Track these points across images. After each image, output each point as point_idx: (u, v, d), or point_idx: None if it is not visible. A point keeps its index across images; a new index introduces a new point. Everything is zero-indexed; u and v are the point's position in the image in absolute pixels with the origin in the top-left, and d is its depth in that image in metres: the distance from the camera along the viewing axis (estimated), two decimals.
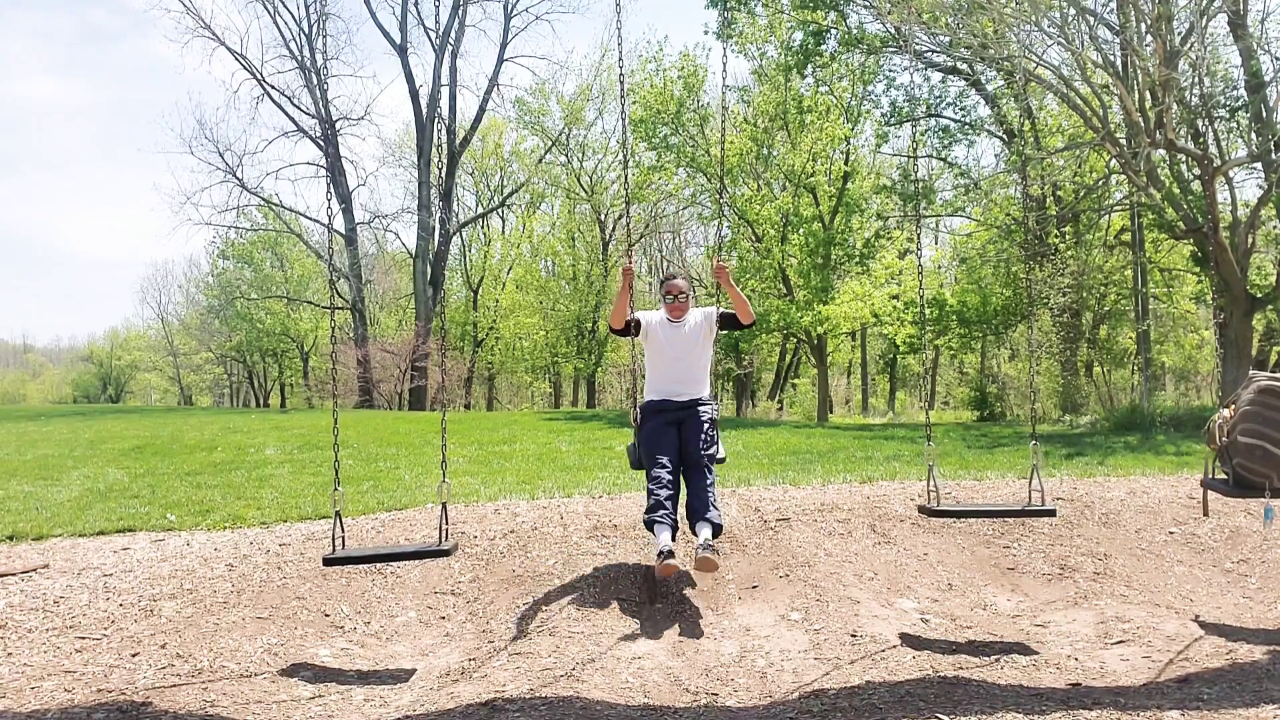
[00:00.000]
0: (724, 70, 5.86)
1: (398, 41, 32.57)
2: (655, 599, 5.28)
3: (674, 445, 5.51)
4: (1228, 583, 5.73)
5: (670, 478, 5.36)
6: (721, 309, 5.83)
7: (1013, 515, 5.32)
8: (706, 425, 5.57)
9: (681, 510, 5.43)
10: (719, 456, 5.61)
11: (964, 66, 19.82)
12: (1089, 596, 5.45)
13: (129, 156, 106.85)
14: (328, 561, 4.64)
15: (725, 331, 6.04)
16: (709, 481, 5.40)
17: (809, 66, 22.58)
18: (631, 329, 5.80)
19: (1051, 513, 5.06)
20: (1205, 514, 5.48)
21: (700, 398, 5.72)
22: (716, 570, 5.20)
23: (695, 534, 5.21)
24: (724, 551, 5.81)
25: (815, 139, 23.51)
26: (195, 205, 57.87)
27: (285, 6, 40.15)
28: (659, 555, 5.03)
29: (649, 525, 5.28)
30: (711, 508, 5.29)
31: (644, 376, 5.92)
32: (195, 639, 4.68)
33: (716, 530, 5.23)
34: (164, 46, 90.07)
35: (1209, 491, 5.23)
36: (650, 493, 5.34)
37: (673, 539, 5.16)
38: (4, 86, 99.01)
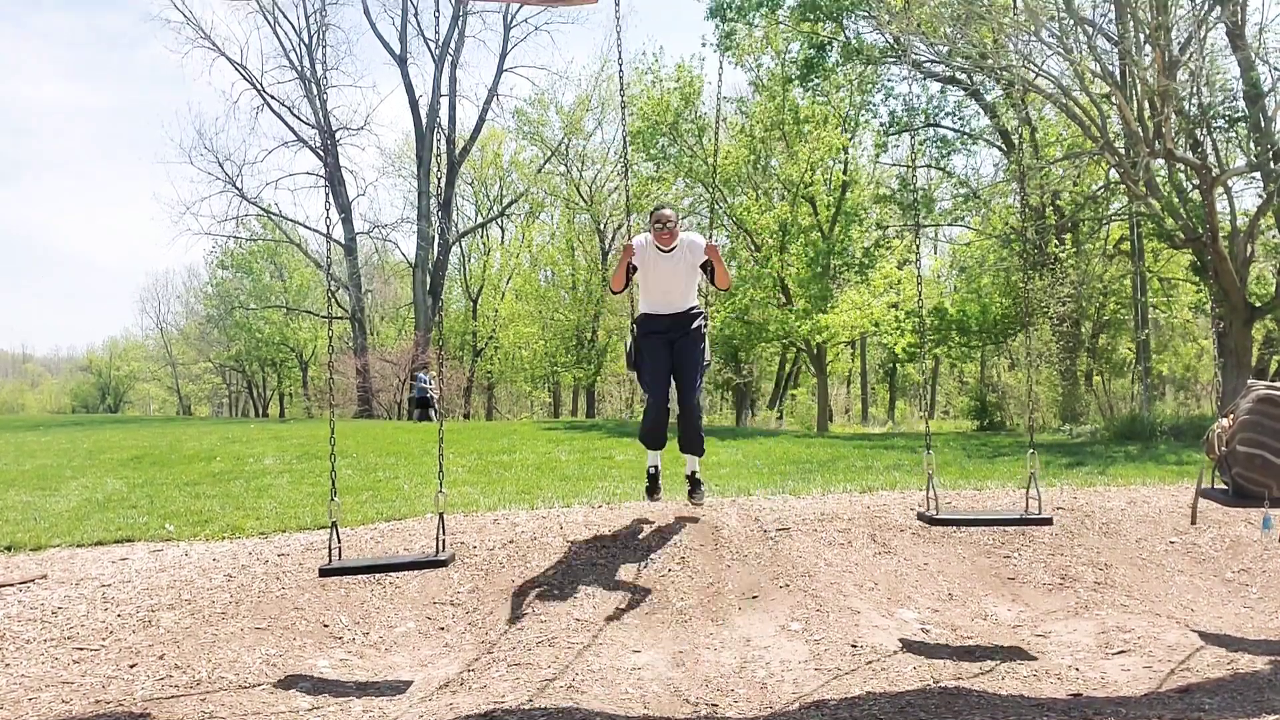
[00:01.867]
0: (719, 81, 6.00)
1: (397, 52, 32.70)
2: (655, 495, 6.54)
3: (666, 367, 6.21)
4: (1228, 592, 5.72)
5: (662, 400, 6.22)
6: (706, 243, 6.27)
7: (1010, 524, 5.31)
8: (696, 344, 6.24)
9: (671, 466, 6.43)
10: (706, 361, 6.36)
11: (963, 76, 19.87)
12: (1090, 606, 5.43)
13: (130, 159, 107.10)
14: (324, 572, 4.63)
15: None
16: (698, 412, 6.32)
17: (811, 79, 22.65)
18: (630, 277, 6.37)
19: (1048, 521, 5.05)
20: (1193, 522, 5.47)
21: (690, 307, 6.30)
22: (701, 508, 6.52)
23: (685, 454, 6.40)
24: (724, 561, 5.80)
25: (813, 149, 23.56)
26: (195, 215, 57.92)
27: (285, 17, 40.34)
28: (649, 474, 6.50)
29: (643, 439, 6.40)
30: (698, 439, 6.31)
31: (639, 292, 6.52)
32: (193, 650, 4.66)
33: (699, 454, 6.44)
34: (166, 53, 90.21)
35: (1206, 501, 5.22)
36: (646, 412, 6.35)
37: (660, 449, 6.43)
38: (9, 89, 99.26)
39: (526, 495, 8.00)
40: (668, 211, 6.27)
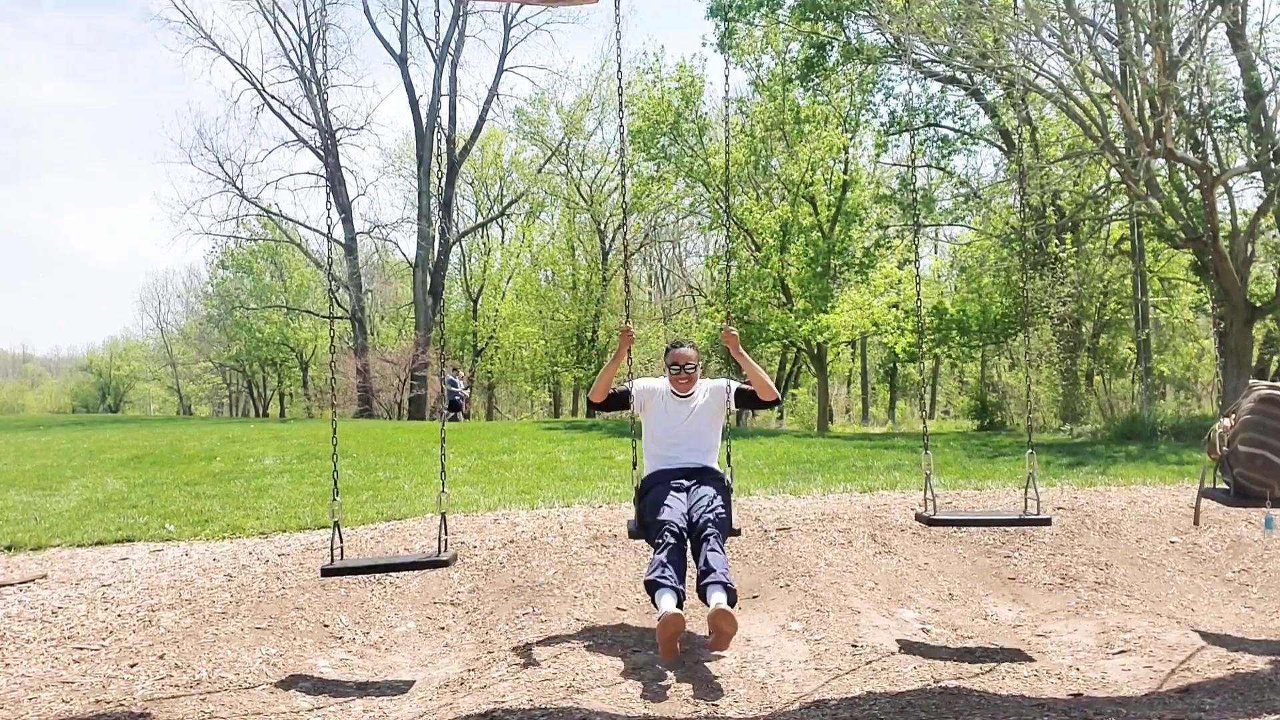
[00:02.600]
0: (726, 82, 5.82)
1: (398, 52, 32.67)
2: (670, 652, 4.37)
3: (682, 506, 4.85)
4: (1229, 592, 5.72)
5: (676, 539, 4.63)
6: (738, 384, 5.27)
7: (1009, 524, 5.31)
8: (719, 491, 4.95)
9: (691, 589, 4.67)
10: (733, 527, 4.95)
11: (963, 76, 19.86)
12: (1090, 606, 5.43)
13: (130, 159, 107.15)
14: (325, 572, 4.63)
15: (741, 408, 5.45)
16: (722, 550, 4.62)
17: (812, 79, 22.64)
18: (616, 403, 5.20)
19: (1047, 521, 5.05)
20: (1196, 522, 5.47)
21: (709, 466, 5.14)
22: (736, 630, 4.32)
23: (706, 602, 4.41)
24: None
25: (814, 148, 23.55)
26: (195, 215, 57.89)
27: (285, 17, 40.35)
28: (660, 621, 4.28)
29: (650, 589, 4.47)
30: (724, 573, 4.48)
31: (643, 450, 5.30)
32: (194, 650, 4.66)
33: (731, 597, 4.41)
34: (166, 52, 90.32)
35: (1207, 501, 5.22)
36: (653, 557, 4.59)
37: (679, 606, 4.37)
38: (9, 89, 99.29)
39: (527, 495, 8.00)
40: (687, 350, 5.23)
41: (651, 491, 4.98)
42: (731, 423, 5.51)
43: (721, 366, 26.83)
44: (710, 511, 4.77)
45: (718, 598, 4.35)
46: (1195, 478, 8.43)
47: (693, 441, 5.14)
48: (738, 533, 5.06)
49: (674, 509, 4.79)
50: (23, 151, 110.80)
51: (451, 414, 26.32)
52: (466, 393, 26.00)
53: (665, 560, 4.50)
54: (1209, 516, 6.56)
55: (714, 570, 4.48)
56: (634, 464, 5.23)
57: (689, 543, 4.72)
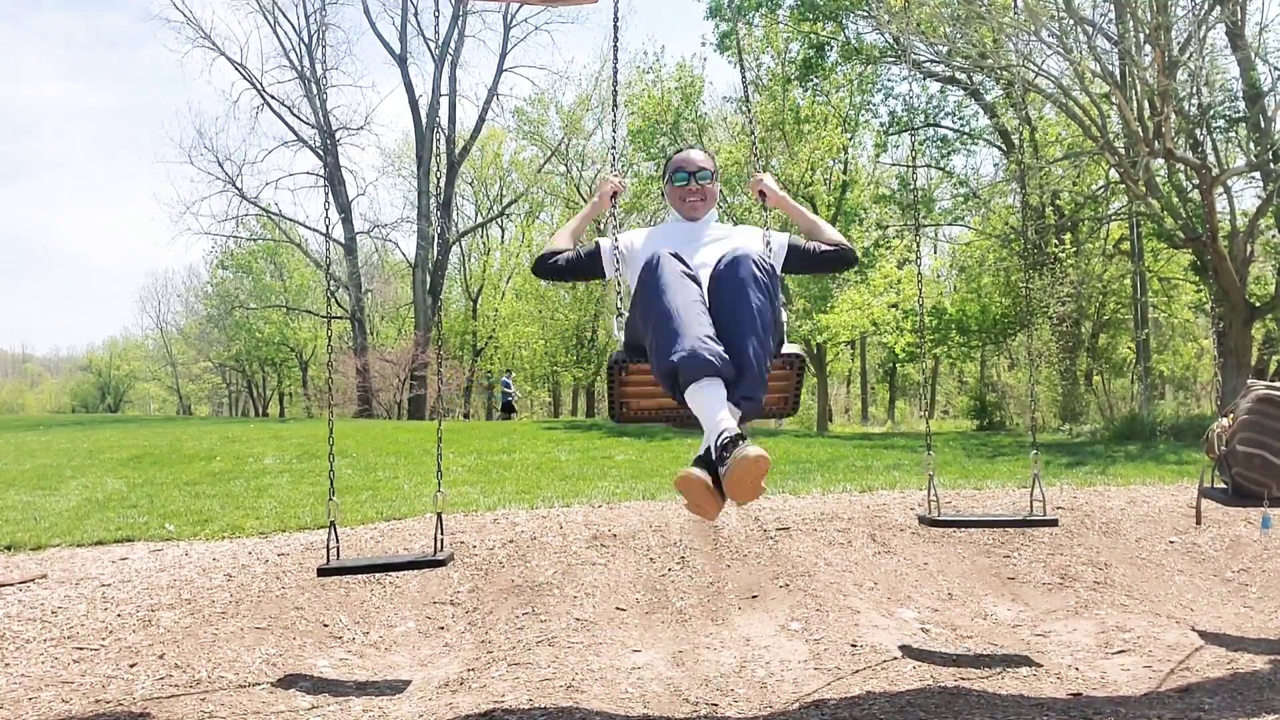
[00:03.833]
0: (743, 79, 5.66)
1: (397, 52, 32.70)
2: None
3: (697, 290, 3.12)
4: (1228, 592, 5.72)
5: (698, 305, 3.04)
6: (792, 238, 3.75)
7: (1015, 525, 5.29)
8: (758, 280, 3.11)
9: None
10: (781, 323, 3.22)
11: (963, 76, 19.88)
12: (1089, 606, 5.43)
13: (130, 159, 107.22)
14: (322, 572, 4.63)
15: (802, 273, 3.87)
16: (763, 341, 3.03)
17: (811, 79, 22.66)
18: (582, 264, 3.74)
19: (1054, 522, 5.04)
20: (1198, 522, 5.46)
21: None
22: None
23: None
24: (724, 560, 5.79)
25: (813, 148, 23.56)
26: (195, 215, 58.00)
27: (285, 17, 40.38)
28: (720, 443, 2.79)
29: (685, 381, 2.88)
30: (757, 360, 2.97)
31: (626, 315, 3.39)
32: (193, 649, 4.66)
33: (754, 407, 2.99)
34: (165, 52, 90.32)
35: (1205, 500, 5.22)
36: (672, 331, 2.94)
37: (731, 397, 2.92)
38: (9, 89, 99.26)
39: (526, 495, 8.00)
40: (698, 154, 3.80)
41: (653, 279, 3.10)
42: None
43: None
44: (752, 318, 3.02)
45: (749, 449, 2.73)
46: (1194, 477, 8.44)
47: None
48: (800, 358, 3.44)
49: (690, 290, 3.07)
50: (23, 151, 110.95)
51: (505, 415, 26.90)
52: (516, 395, 26.74)
53: (697, 340, 2.89)
54: (1208, 516, 6.56)
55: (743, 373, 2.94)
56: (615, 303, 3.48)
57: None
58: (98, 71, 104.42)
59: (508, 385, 28.66)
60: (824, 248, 3.68)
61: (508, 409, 27.98)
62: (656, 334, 2.96)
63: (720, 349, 2.88)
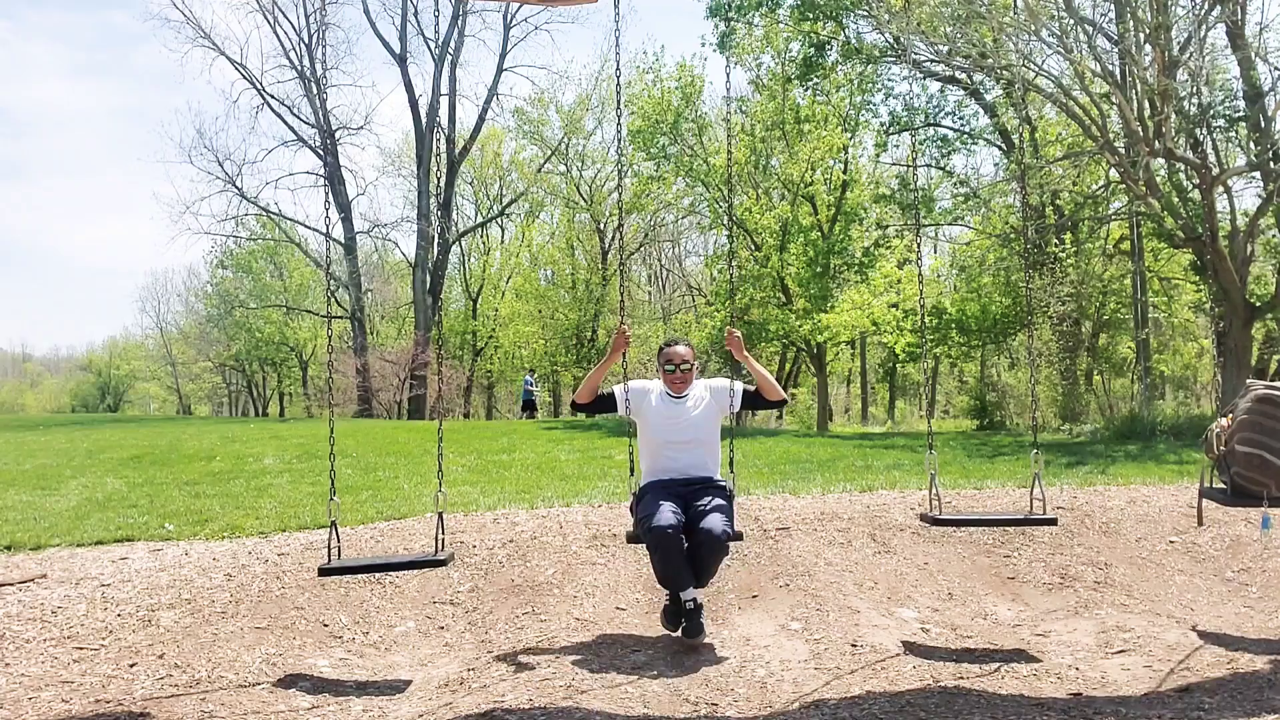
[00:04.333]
0: (727, 81, 5.76)
1: (397, 51, 32.72)
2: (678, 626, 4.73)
3: (679, 503, 4.71)
4: (1228, 592, 5.72)
5: (675, 529, 4.54)
6: (742, 385, 5.04)
7: (1015, 524, 5.30)
8: (720, 499, 4.76)
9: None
10: (734, 531, 4.70)
11: (963, 76, 19.87)
12: (1089, 606, 5.43)
13: (130, 159, 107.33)
14: (323, 571, 4.63)
15: (747, 409, 5.22)
16: (720, 531, 4.55)
17: (811, 78, 22.65)
18: (603, 406, 5.01)
19: (1053, 521, 5.04)
20: (1200, 523, 5.47)
21: (710, 478, 4.94)
22: (725, 554, 4.67)
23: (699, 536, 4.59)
24: (724, 561, 5.79)
25: (814, 148, 23.55)
26: (194, 214, 57.95)
27: (285, 16, 40.47)
28: (688, 607, 4.58)
29: (663, 571, 4.60)
30: (712, 562, 4.62)
31: (639, 458, 5.02)
32: (193, 649, 4.66)
33: (708, 574, 4.68)
34: (166, 52, 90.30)
35: (1205, 500, 5.22)
36: (655, 548, 4.56)
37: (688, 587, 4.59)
38: (8, 88, 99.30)
39: (526, 495, 8.00)
40: (682, 349, 5.01)
41: (646, 498, 4.75)
42: (730, 423, 5.31)
43: (722, 366, 26.87)
44: (709, 519, 4.57)
45: (691, 591, 4.61)
46: (1194, 477, 8.45)
47: (691, 447, 4.88)
48: (740, 536, 4.81)
49: (672, 503, 4.64)
50: (23, 151, 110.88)
51: (528, 414, 27.13)
52: (539, 394, 27.20)
53: (665, 556, 4.54)
54: (1208, 516, 6.56)
55: (709, 552, 4.60)
56: (630, 468, 4.98)
57: (687, 544, 4.61)
58: (99, 71, 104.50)
59: (530, 384, 29.01)
60: (769, 399, 5.07)
61: (529, 407, 28.24)
62: (647, 535, 4.61)
63: (682, 568, 4.58)
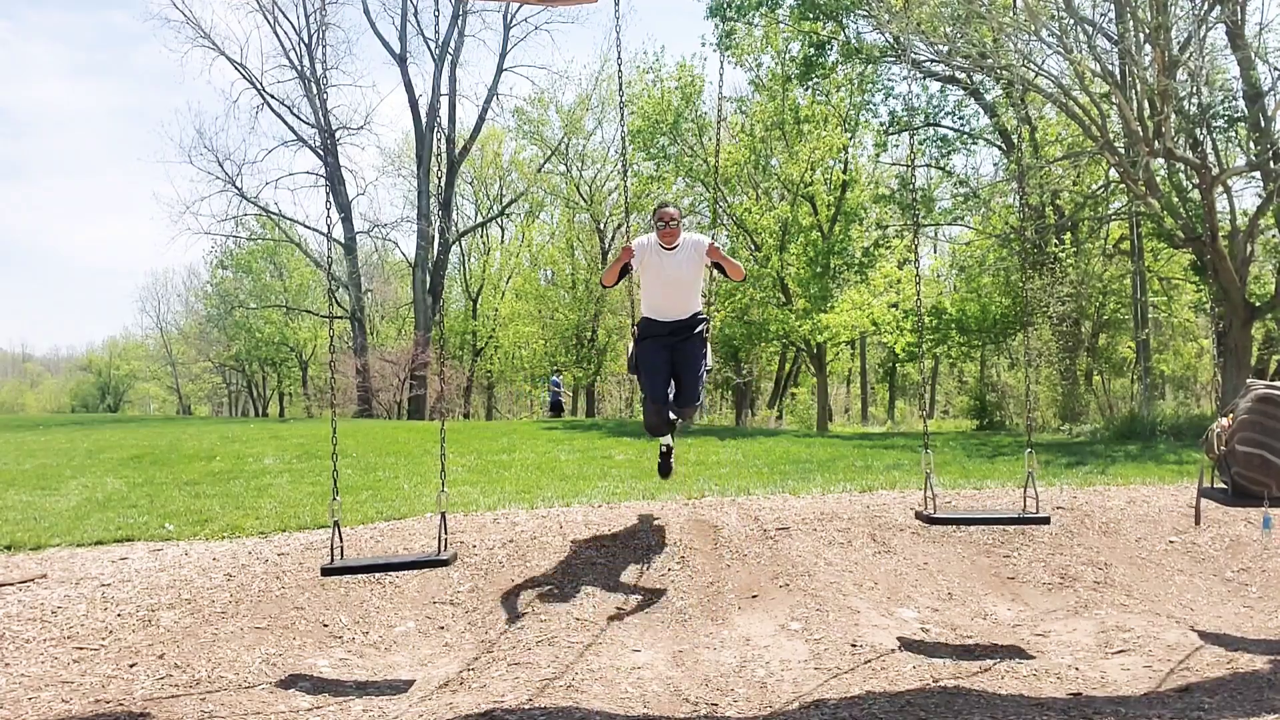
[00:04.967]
0: (720, 80, 5.95)
1: (397, 51, 32.69)
2: (667, 473, 6.55)
3: (667, 367, 6.11)
4: (1228, 592, 5.72)
5: (661, 399, 6.04)
6: (711, 242, 6.17)
7: (1008, 523, 5.31)
8: (698, 349, 6.17)
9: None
10: (708, 366, 6.27)
11: (963, 76, 19.87)
12: (1089, 606, 5.43)
13: (130, 159, 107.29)
14: (325, 571, 4.63)
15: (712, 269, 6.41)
16: (694, 408, 6.24)
17: (811, 77, 22.64)
18: (625, 271, 6.27)
19: (1046, 520, 5.05)
20: (1197, 522, 5.47)
21: (695, 313, 6.24)
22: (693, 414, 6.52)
23: (678, 415, 6.28)
24: (724, 560, 5.79)
25: (813, 148, 23.54)
26: (194, 214, 57.89)
27: (285, 16, 40.47)
28: (662, 450, 6.52)
29: (648, 432, 6.45)
30: (693, 401, 6.16)
31: (640, 296, 6.40)
32: (193, 649, 4.66)
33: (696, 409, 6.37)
34: (166, 52, 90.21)
35: (1205, 500, 5.22)
36: (646, 414, 6.22)
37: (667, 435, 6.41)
38: (8, 88, 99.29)
39: (526, 495, 7.99)
40: (671, 209, 6.20)
41: (646, 343, 6.19)
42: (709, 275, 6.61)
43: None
44: (692, 377, 6.12)
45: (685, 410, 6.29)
46: (1194, 477, 8.44)
47: (678, 287, 6.13)
48: (711, 370, 6.47)
49: (661, 368, 6.10)
50: (23, 150, 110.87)
51: (554, 413, 27.22)
52: (566, 394, 27.41)
53: (657, 425, 6.22)
54: (1207, 516, 6.56)
55: (683, 399, 6.16)
56: (632, 311, 6.67)
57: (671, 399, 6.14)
58: (99, 71, 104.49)
59: (556, 384, 29.11)
60: (730, 275, 6.24)
61: (556, 407, 28.37)
62: (641, 388, 6.29)
63: (669, 407, 6.14)
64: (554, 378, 30.04)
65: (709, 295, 7.01)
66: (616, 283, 6.30)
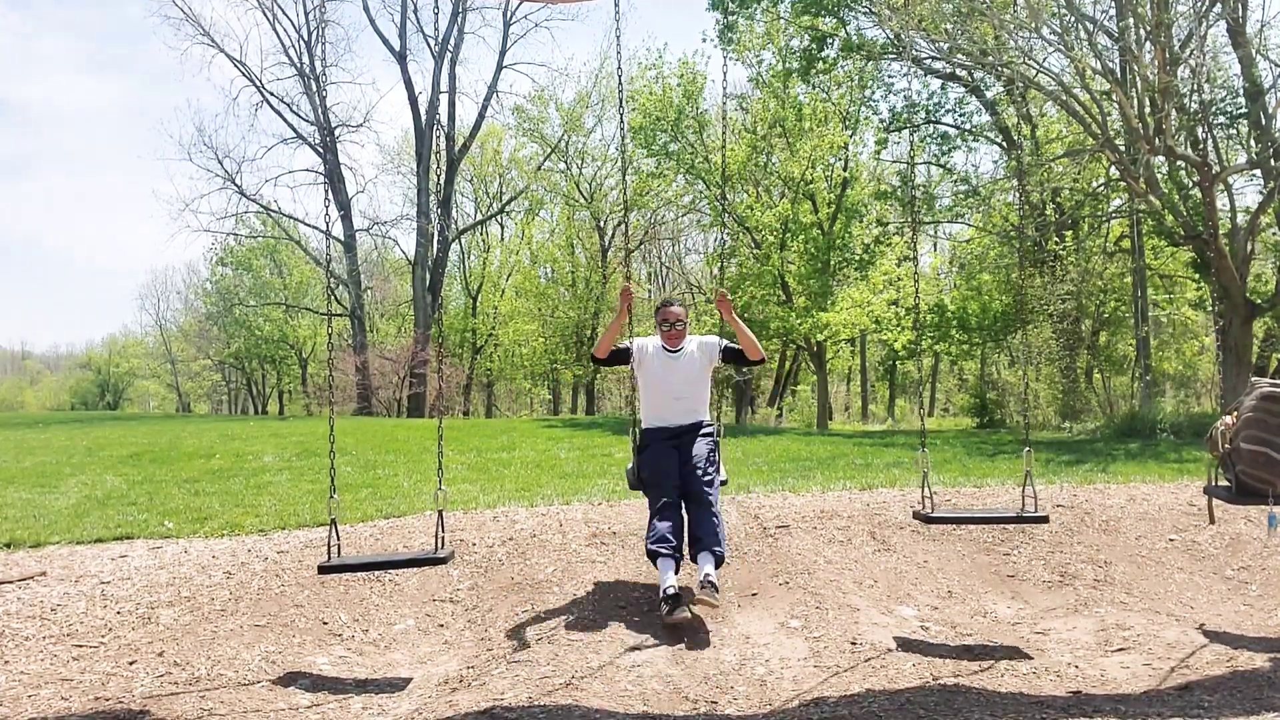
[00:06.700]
0: (724, 75, 5.88)
1: (397, 49, 32.66)
2: (675, 615, 4.88)
3: (675, 469, 5.31)
4: (1228, 590, 5.71)
5: (673, 505, 5.18)
6: (725, 343, 5.65)
7: (1005, 521, 5.30)
8: (708, 449, 5.39)
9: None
10: (721, 479, 5.46)
11: (963, 73, 19.85)
12: (1089, 604, 5.43)
13: (130, 157, 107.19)
14: (323, 569, 4.62)
15: (730, 364, 5.77)
16: (714, 510, 5.17)
17: (812, 73, 22.61)
18: (618, 359, 5.60)
19: (1045, 519, 5.05)
20: (1211, 521, 5.45)
21: (700, 421, 5.53)
22: (716, 609, 4.86)
23: (696, 563, 5.05)
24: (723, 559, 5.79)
25: (814, 146, 23.53)
26: (194, 212, 57.93)
27: (285, 14, 40.39)
28: (664, 597, 4.88)
29: (652, 557, 5.12)
30: (714, 537, 5.06)
31: (640, 404, 5.71)
32: (193, 647, 4.66)
33: (719, 561, 5.05)
34: (166, 50, 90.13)
35: (1213, 499, 5.21)
36: (652, 523, 5.17)
37: (677, 572, 5.04)
38: (9, 87, 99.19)
39: (526, 493, 7.99)
40: (676, 309, 5.64)
41: (648, 450, 5.44)
42: (726, 419, 5.71)
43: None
44: (702, 474, 5.26)
45: (707, 570, 4.96)
46: (1195, 475, 8.45)
47: (685, 394, 5.53)
48: (725, 482, 5.57)
49: (669, 472, 5.28)
50: (24, 149, 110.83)
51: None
52: None
53: (664, 534, 5.08)
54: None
55: (703, 539, 5.08)
56: (633, 418, 5.77)
57: (684, 504, 5.25)
58: (100, 70, 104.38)
59: None
60: (750, 358, 5.61)
61: None
62: (648, 498, 5.39)
63: (673, 544, 5.07)
64: None
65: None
66: (608, 360, 5.61)
